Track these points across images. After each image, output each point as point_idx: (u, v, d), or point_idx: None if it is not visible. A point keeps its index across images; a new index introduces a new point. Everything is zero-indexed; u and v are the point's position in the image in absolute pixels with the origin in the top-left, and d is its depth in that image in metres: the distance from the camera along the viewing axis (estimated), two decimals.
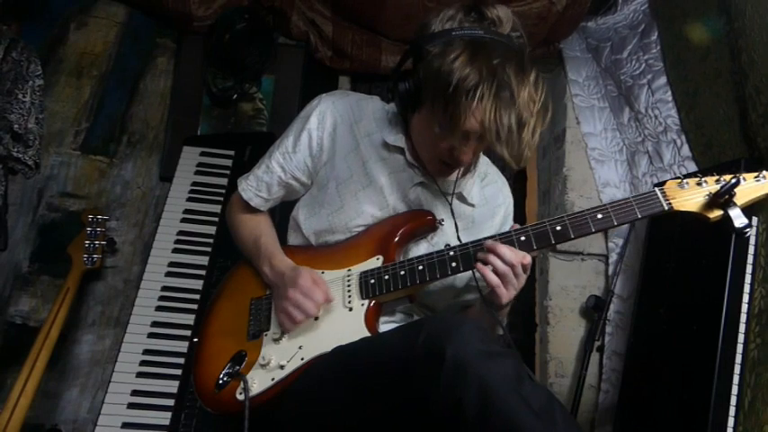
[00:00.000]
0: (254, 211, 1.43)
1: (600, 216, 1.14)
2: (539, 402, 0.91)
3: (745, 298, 1.49)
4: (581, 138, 2.28)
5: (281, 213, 1.52)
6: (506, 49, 1.13)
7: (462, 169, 1.31)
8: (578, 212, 1.15)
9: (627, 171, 2.19)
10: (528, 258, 1.15)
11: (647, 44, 2.17)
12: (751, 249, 1.52)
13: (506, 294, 1.16)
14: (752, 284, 1.50)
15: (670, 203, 1.13)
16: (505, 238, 1.18)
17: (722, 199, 1.09)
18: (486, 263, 1.16)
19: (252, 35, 2.32)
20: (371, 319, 1.23)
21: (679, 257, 1.74)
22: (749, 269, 1.51)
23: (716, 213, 1.11)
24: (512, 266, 1.14)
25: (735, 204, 1.08)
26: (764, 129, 1.54)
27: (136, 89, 2.38)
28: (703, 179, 1.12)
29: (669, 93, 2.04)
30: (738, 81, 1.66)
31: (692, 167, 1.89)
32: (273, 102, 2.40)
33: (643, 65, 2.15)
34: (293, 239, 1.43)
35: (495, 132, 1.08)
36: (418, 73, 1.18)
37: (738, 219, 1.07)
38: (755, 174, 1.12)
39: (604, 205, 1.14)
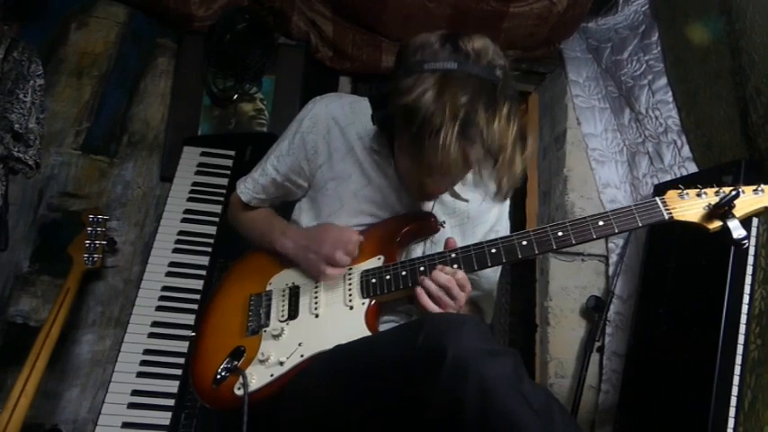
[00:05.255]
0: (254, 207, 1.47)
1: (601, 223, 1.16)
2: (538, 401, 0.92)
3: (746, 299, 1.49)
4: (581, 138, 2.28)
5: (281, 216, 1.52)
6: (477, 83, 1.08)
7: None
8: (580, 219, 1.17)
9: (627, 172, 2.19)
10: (460, 273, 1.17)
11: (647, 45, 2.17)
12: (751, 251, 1.52)
13: (440, 311, 1.17)
14: (752, 285, 1.50)
15: (671, 213, 1.14)
16: (507, 242, 1.19)
17: (721, 210, 1.11)
18: (424, 286, 1.18)
19: (252, 35, 2.32)
20: (372, 318, 1.24)
21: (679, 258, 1.74)
22: (749, 270, 1.51)
23: (715, 224, 1.13)
24: (446, 289, 1.16)
25: (734, 216, 1.10)
26: (765, 129, 1.54)
27: (136, 89, 2.38)
28: (703, 191, 1.15)
29: (670, 93, 2.04)
30: (739, 82, 1.66)
31: (693, 168, 1.89)
32: (274, 102, 2.40)
33: (643, 65, 2.15)
34: None
35: (465, 168, 1.11)
36: (393, 103, 1.15)
37: (737, 230, 1.09)
38: (754, 187, 1.13)
39: (606, 213, 1.16)
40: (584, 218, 1.17)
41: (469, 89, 1.06)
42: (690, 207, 1.15)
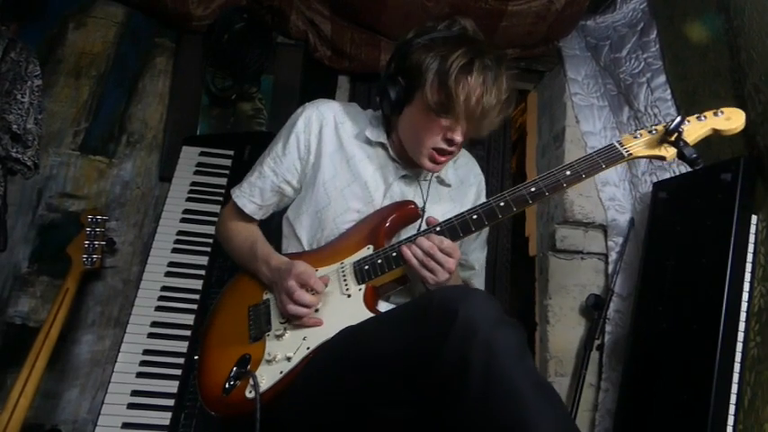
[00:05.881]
0: (246, 219, 1.48)
1: (568, 172, 1.24)
2: (538, 378, 0.95)
3: (745, 296, 1.49)
4: (580, 136, 2.28)
5: (278, 220, 1.53)
6: (484, 43, 1.31)
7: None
8: (548, 172, 1.25)
9: (626, 169, 2.19)
10: (446, 242, 1.23)
11: (646, 42, 2.17)
12: (750, 248, 1.52)
13: (431, 277, 1.23)
14: (751, 283, 1.50)
15: (629, 151, 1.25)
16: (486, 207, 1.26)
17: (672, 137, 1.22)
18: (410, 249, 1.25)
19: (251, 35, 2.32)
20: (370, 300, 1.28)
21: (679, 256, 1.74)
22: (749, 267, 1.51)
23: (671, 152, 1.23)
24: (429, 254, 1.23)
25: (687, 143, 1.22)
26: (763, 127, 1.54)
27: (135, 89, 2.38)
28: (653, 127, 1.26)
29: (668, 91, 2.03)
30: (737, 79, 1.66)
31: None
32: (273, 101, 2.40)
33: (642, 63, 2.15)
34: (286, 245, 1.46)
35: (480, 101, 1.24)
36: (405, 69, 1.31)
37: (688, 151, 1.21)
38: (697, 115, 1.27)
39: (571, 162, 1.25)
40: (552, 171, 1.25)
41: (481, 45, 1.30)
42: (644, 143, 1.26)
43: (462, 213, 1.27)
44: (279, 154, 1.44)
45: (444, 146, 1.32)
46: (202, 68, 2.35)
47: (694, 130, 1.25)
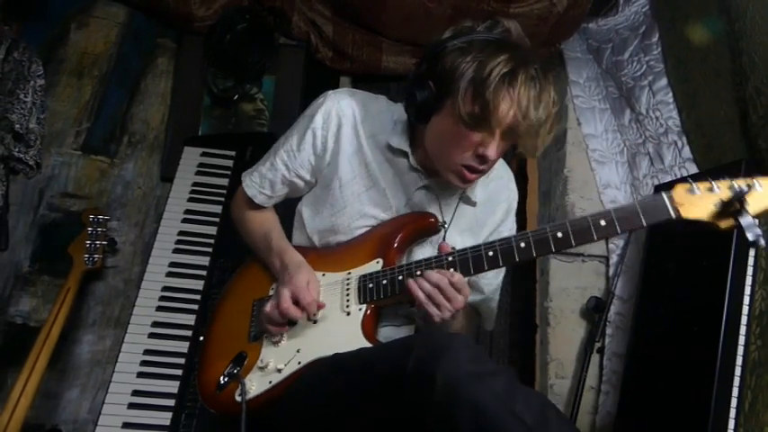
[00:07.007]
0: (258, 207, 1.42)
1: (603, 223, 1.07)
2: (532, 416, 0.90)
3: (746, 300, 1.49)
4: (582, 139, 2.28)
5: (285, 212, 1.51)
6: (529, 50, 1.18)
7: None
8: (581, 219, 1.09)
9: (628, 173, 2.19)
10: (456, 276, 1.14)
11: (647, 45, 2.17)
12: (751, 251, 1.51)
13: (437, 314, 1.14)
14: (752, 286, 1.50)
15: (678, 210, 1.04)
16: (504, 245, 1.14)
17: (733, 207, 1.00)
18: (417, 282, 1.16)
19: (253, 35, 2.32)
20: (369, 324, 1.22)
21: (679, 259, 1.73)
22: (750, 271, 1.50)
23: (727, 223, 1.02)
24: (438, 288, 1.13)
25: (747, 212, 0.99)
26: (765, 130, 1.54)
27: (137, 89, 2.39)
28: (716, 184, 1.02)
29: (670, 94, 2.03)
30: (739, 82, 1.66)
31: (693, 169, 1.89)
32: (274, 102, 2.40)
33: (644, 66, 2.15)
34: (297, 237, 1.42)
35: (527, 118, 1.11)
36: (437, 73, 1.17)
37: (750, 230, 0.97)
38: None
39: (608, 211, 1.08)
40: (585, 218, 1.09)
41: (525, 51, 1.17)
42: (700, 203, 1.03)
43: (478, 247, 1.15)
44: (293, 148, 1.35)
45: (475, 163, 1.18)
46: (204, 69, 2.36)
47: (763, 198, 1.00)
